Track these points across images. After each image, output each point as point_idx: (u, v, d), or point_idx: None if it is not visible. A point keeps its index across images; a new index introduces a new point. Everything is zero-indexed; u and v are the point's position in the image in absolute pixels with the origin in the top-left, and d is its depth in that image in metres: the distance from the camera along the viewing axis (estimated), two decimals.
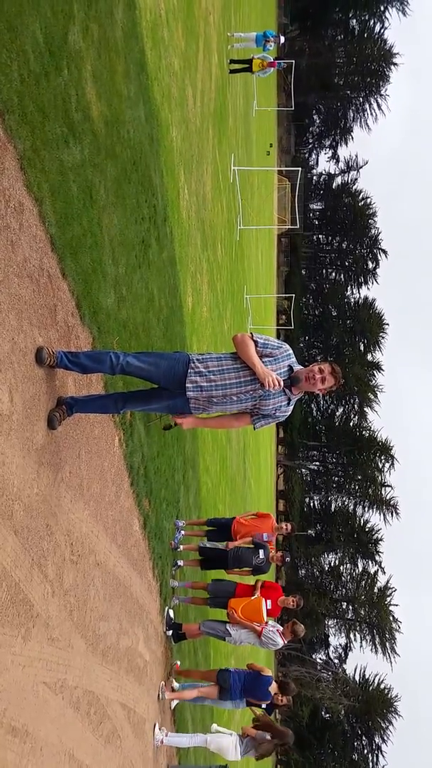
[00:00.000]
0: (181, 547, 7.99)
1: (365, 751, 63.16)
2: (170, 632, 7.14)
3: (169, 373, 3.81)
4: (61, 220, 3.93)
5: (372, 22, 75.86)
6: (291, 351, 3.95)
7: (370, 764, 62.30)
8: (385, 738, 61.86)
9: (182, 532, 8.04)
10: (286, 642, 7.22)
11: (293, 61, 32.37)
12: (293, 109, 48.85)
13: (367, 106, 78.21)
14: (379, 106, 77.81)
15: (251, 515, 8.45)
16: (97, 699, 4.45)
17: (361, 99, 77.99)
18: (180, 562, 7.95)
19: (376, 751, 62.69)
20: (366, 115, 78.89)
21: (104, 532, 4.77)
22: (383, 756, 62.61)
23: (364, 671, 63.82)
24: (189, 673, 7.59)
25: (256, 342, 3.81)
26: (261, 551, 7.79)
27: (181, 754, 7.59)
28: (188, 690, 7.08)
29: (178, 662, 7.40)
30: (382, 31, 75.71)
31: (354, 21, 76.63)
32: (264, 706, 7.25)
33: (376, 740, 62.36)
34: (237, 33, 17.60)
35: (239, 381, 3.79)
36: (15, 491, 3.23)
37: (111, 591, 4.89)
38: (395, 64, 75.64)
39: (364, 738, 63.05)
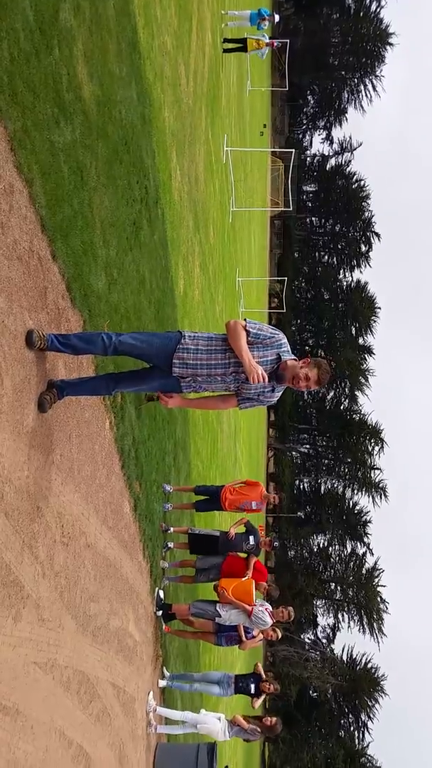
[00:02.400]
0: (172, 528, 8.04)
1: (351, 729, 64.32)
2: (160, 613, 7.21)
3: (162, 351, 3.81)
4: (51, 202, 3.90)
5: (368, 0, 74.88)
6: (284, 340, 3.91)
7: (356, 741, 63.47)
8: (371, 716, 62.99)
9: (170, 505, 8.04)
10: (274, 622, 7.33)
11: (288, 41, 31.98)
12: (287, 89, 48.34)
13: (362, 87, 77.48)
14: (374, 87, 77.14)
15: (240, 483, 8.44)
16: (87, 678, 4.51)
17: (356, 80, 77.21)
18: (170, 544, 8.01)
19: (362, 729, 63.87)
20: (361, 96, 78.22)
21: (95, 514, 4.80)
22: (369, 733, 63.84)
23: (351, 651, 64.76)
24: (181, 633, 7.74)
25: (248, 332, 3.78)
26: (251, 537, 7.84)
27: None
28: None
29: (166, 626, 7.48)
30: (378, 10, 74.79)
31: None
32: (252, 691, 7.37)
33: (363, 718, 63.50)
34: (231, 11, 17.37)
35: (225, 363, 3.79)
36: (5, 474, 3.24)
37: (101, 572, 4.92)
38: (391, 44, 74.84)
39: (350, 716, 64.15)
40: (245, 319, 3.86)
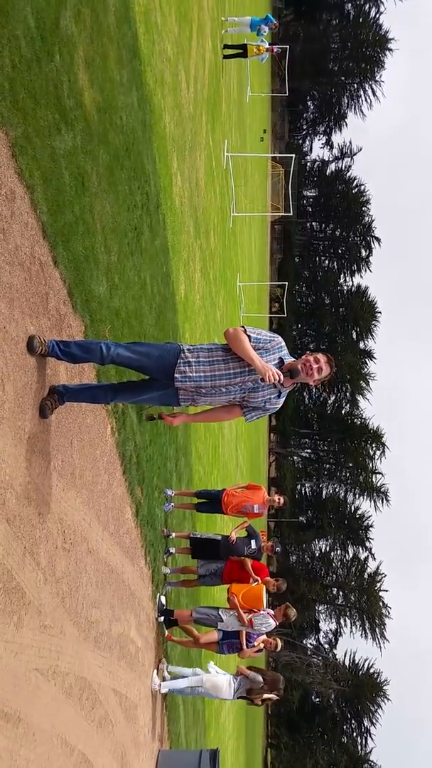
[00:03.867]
0: (173, 534, 8.03)
1: (354, 734, 64.10)
2: (162, 618, 7.19)
3: (160, 364, 3.80)
4: (53, 208, 3.91)
5: (367, 6, 75.21)
6: (283, 343, 3.93)
7: (359, 747, 63.22)
8: (374, 721, 62.79)
9: (172, 504, 8.02)
10: (277, 623, 7.32)
11: (287, 47, 32.09)
12: (287, 94, 48.53)
13: (361, 92, 77.74)
14: (373, 92, 77.41)
15: (241, 487, 8.40)
16: (89, 685, 4.49)
17: (355, 85, 77.49)
18: (172, 549, 7.99)
19: (364, 734, 63.65)
20: (360, 101, 78.48)
21: (96, 520, 4.79)
22: (372, 738, 63.63)
23: (353, 656, 64.60)
24: (183, 642, 7.72)
25: (249, 336, 3.78)
26: (253, 541, 7.83)
27: (172, 738, 7.68)
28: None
29: (168, 632, 7.47)
30: (377, 15, 75.12)
31: (349, 5, 75.98)
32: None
33: (365, 723, 63.28)
34: (231, 18, 17.43)
35: (228, 373, 3.79)
36: (7, 480, 3.24)
37: (103, 578, 4.91)
38: (390, 49, 75.15)
39: (353, 721, 63.95)
40: (242, 326, 3.85)
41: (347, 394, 72.00)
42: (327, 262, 78.94)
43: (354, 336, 73.62)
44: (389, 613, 65.07)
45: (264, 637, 7.31)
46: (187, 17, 10.37)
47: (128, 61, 6.03)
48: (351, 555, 68.58)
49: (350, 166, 77.41)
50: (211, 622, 7.30)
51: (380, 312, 74.06)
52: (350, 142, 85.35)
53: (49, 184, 3.85)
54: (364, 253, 76.09)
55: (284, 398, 4.03)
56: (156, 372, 3.85)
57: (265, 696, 7.15)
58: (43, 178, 3.76)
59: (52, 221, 3.89)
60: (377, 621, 64.61)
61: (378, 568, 66.63)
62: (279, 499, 8.54)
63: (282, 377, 3.76)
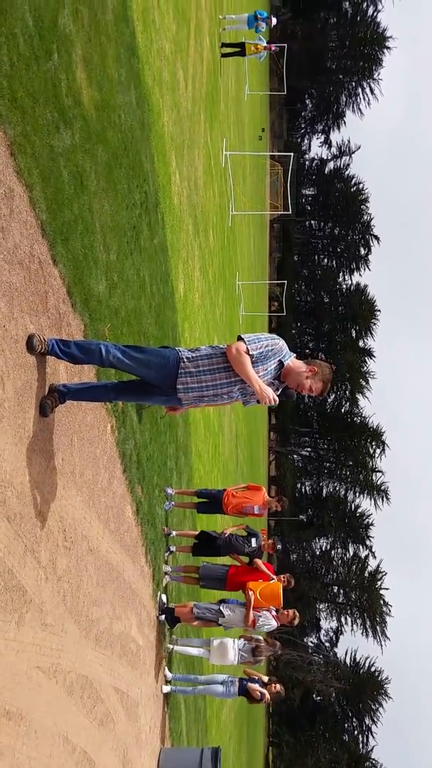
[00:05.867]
0: (174, 532, 8.03)
1: (355, 732, 64.14)
2: (163, 617, 7.20)
3: (160, 374, 3.77)
4: (51, 206, 3.91)
5: (365, 4, 75.16)
6: (283, 345, 3.91)
7: (360, 745, 63.27)
8: (375, 719, 62.82)
9: (172, 503, 8.03)
10: (279, 625, 7.33)
11: (285, 45, 32.06)
12: (285, 93, 48.45)
13: (359, 90, 77.72)
14: (371, 90, 77.38)
15: (242, 487, 8.41)
16: (90, 683, 4.50)
17: (353, 83, 77.45)
18: (172, 548, 8.00)
19: (366, 732, 63.69)
20: (358, 99, 78.47)
21: (97, 519, 4.79)
22: (373, 737, 63.67)
23: (354, 654, 64.66)
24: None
25: (251, 356, 3.74)
26: (254, 540, 7.84)
27: (174, 736, 7.68)
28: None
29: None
30: (375, 14, 75.09)
31: (347, 3, 75.89)
32: (258, 686, 7.37)
33: (366, 722, 63.31)
34: (229, 15, 17.43)
35: (230, 380, 3.78)
36: (7, 478, 3.24)
37: (104, 577, 4.92)
38: (388, 47, 75.12)
39: (354, 720, 63.99)
40: (241, 338, 3.79)
41: (347, 392, 72.02)
42: (326, 260, 78.92)
43: (353, 334, 73.63)
44: (390, 611, 65.16)
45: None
46: (185, 15, 10.37)
47: (126, 60, 6.03)
48: (351, 553, 68.65)
49: (349, 165, 77.41)
50: (212, 617, 7.32)
51: (379, 310, 74.11)
52: (348, 141, 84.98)
53: (47, 183, 3.85)
54: (363, 251, 76.08)
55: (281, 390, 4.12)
56: (157, 381, 3.84)
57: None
58: (42, 177, 3.76)
59: (51, 220, 3.89)
60: (378, 619, 64.66)
61: (378, 566, 66.70)
62: (278, 505, 8.43)
63: (277, 401, 3.83)
